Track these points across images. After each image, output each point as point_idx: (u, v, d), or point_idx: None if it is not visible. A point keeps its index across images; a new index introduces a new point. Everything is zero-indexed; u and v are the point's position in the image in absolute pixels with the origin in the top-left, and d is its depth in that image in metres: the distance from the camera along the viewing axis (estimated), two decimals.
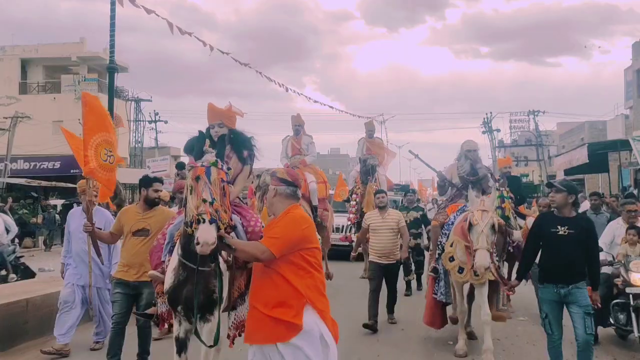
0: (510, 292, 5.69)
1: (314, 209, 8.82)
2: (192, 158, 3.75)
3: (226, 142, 4.31)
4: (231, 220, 3.46)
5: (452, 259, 5.74)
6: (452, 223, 6.01)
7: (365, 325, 6.71)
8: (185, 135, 4.01)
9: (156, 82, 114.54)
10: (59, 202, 21.94)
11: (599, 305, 4.76)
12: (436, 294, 6.25)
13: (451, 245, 5.76)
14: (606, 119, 31.55)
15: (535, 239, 4.88)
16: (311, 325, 3.10)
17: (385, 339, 6.58)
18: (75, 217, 5.99)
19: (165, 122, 35.95)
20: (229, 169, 3.64)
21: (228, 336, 4.26)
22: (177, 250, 3.78)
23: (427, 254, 9.76)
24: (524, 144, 42.40)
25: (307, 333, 3.08)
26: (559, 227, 4.62)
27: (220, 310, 3.70)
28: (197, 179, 3.32)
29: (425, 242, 10.15)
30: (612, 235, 6.32)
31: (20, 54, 29.44)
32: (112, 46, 9.85)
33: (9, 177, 22.19)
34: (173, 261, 3.82)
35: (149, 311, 4.46)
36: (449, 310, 6.54)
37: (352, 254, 7.38)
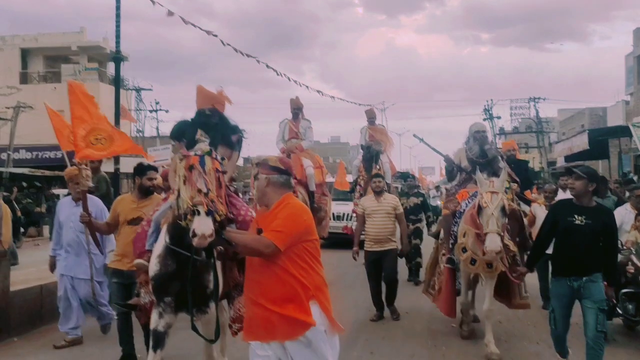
0: (518, 280, 5.53)
1: (311, 195, 8.66)
2: (180, 144, 3.52)
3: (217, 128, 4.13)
4: (229, 212, 3.27)
5: (464, 249, 5.49)
6: (465, 211, 5.76)
7: (372, 320, 6.76)
8: None
9: (156, 70, 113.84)
10: (62, 192, 22.01)
11: (614, 300, 4.59)
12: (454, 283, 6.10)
13: (463, 236, 5.53)
14: (607, 105, 31.63)
15: (550, 227, 4.61)
16: (317, 320, 3.01)
17: (390, 322, 6.74)
18: (65, 207, 5.84)
19: (167, 111, 35.89)
20: (223, 158, 3.46)
21: (230, 326, 4.21)
22: (163, 237, 3.63)
23: (425, 238, 9.82)
24: (524, 130, 42.35)
25: (314, 328, 3.00)
26: (576, 216, 4.37)
27: (217, 303, 3.60)
28: (191, 168, 3.15)
29: (425, 227, 10.13)
30: (619, 221, 5.92)
31: (20, 44, 29.25)
32: (117, 36, 9.54)
33: (12, 167, 22.26)
34: (158, 248, 3.67)
35: (131, 302, 4.31)
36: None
37: (354, 247, 6.87)
